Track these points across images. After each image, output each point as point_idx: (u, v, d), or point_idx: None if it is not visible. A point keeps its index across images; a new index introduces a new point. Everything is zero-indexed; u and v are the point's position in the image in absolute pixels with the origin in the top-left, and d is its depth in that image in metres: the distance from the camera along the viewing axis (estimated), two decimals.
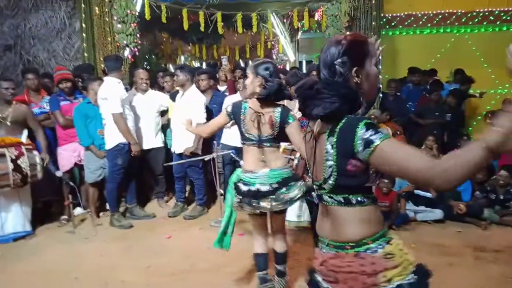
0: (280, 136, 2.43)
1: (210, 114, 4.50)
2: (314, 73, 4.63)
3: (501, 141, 0.97)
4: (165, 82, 5.21)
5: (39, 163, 3.73)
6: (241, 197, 2.47)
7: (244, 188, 2.46)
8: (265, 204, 2.38)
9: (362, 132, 1.16)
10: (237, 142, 4.42)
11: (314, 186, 1.37)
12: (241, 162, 4.22)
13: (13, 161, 3.54)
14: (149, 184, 5.01)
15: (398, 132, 5.46)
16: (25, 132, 3.93)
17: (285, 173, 2.46)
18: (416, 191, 4.30)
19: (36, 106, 4.38)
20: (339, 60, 1.25)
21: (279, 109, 2.41)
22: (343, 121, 1.21)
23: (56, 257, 3.49)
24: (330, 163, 1.24)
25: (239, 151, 4.38)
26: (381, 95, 5.82)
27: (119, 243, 3.81)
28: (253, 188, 2.42)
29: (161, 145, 4.78)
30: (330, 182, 1.26)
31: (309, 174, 1.42)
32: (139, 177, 4.70)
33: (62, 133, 4.30)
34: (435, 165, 1.05)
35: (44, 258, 3.49)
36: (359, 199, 1.26)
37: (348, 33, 1.39)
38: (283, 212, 2.56)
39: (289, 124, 2.38)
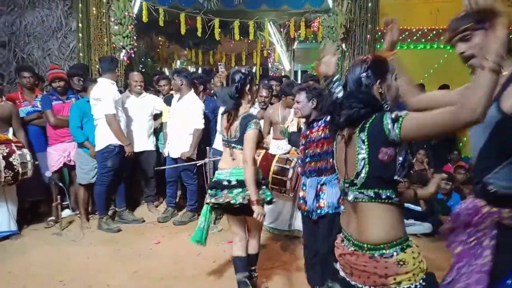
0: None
1: (207, 120, 4.50)
2: (311, 82, 4.68)
3: (498, 56, 1.14)
4: (161, 86, 5.20)
5: (30, 161, 3.68)
6: (209, 190, 2.59)
7: (212, 182, 2.62)
8: (219, 196, 2.50)
9: (387, 117, 1.33)
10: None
11: (345, 186, 1.50)
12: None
13: (5, 158, 3.48)
14: (139, 188, 4.96)
15: None
16: (11, 130, 3.89)
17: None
18: (406, 205, 4.32)
19: (29, 104, 4.33)
20: (364, 73, 1.50)
21: (245, 115, 2.49)
22: (372, 117, 1.38)
23: (41, 259, 3.43)
24: (362, 156, 1.39)
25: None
26: None
27: (106, 246, 3.76)
28: (216, 180, 2.57)
29: (153, 148, 4.75)
30: (362, 175, 1.39)
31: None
32: (130, 181, 4.66)
33: (52, 133, 4.25)
34: (457, 106, 1.18)
35: (29, 260, 3.43)
36: (388, 194, 1.38)
37: (370, 54, 1.69)
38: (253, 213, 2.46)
39: (247, 132, 2.43)
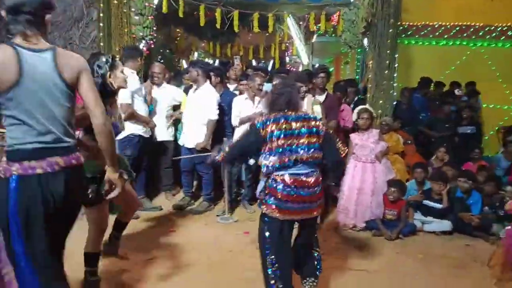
0: None
1: (222, 112, 4.50)
2: (322, 74, 4.64)
3: None
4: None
5: None
6: None
7: None
8: None
9: None
10: None
11: None
12: (251, 161, 4.25)
13: None
14: (158, 177, 5.01)
15: (409, 142, 5.44)
16: None
17: None
18: (425, 202, 4.26)
19: None
20: None
21: None
22: None
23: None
24: None
25: None
26: (394, 102, 5.79)
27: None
28: None
29: (171, 138, 4.79)
30: None
31: None
32: (149, 170, 4.71)
33: None
34: None
35: None
36: None
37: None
38: None
39: None
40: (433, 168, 4.76)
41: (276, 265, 2.39)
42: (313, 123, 2.46)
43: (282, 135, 2.37)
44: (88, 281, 2.59)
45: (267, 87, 4.96)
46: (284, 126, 2.39)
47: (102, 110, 1.88)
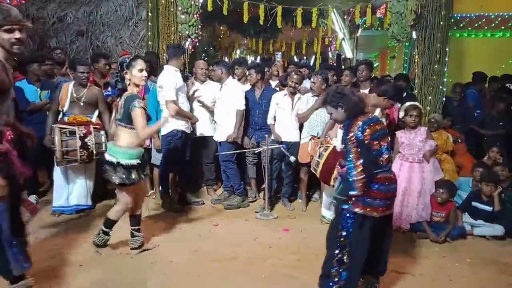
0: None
1: (247, 102, 4.61)
2: (362, 66, 4.52)
3: None
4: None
5: (104, 142, 3.97)
6: None
7: None
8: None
9: None
10: (286, 137, 4.46)
11: None
12: (291, 158, 4.25)
13: (81, 138, 3.80)
14: (200, 172, 5.16)
15: (459, 140, 5.17)
16: (96, 113, 4.19)
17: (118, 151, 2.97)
18: (474, 203, 4.04)
19: (103, 89, 4.65)
20: None
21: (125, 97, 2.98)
22: None
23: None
24: None
25: (289, 146, 4.40)
26: (444, 99, 5.52)
27: (169, 224, 3.97)
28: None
29: (213, 134, 4.90)
30: None
31: None
32: (191, 165, 4.85)
33: None
34: None
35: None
36: None
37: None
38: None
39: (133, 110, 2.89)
40: (485, 169, 4.49)
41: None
42: (383, 124, 2.59)
43: (377, 137, 2.44)
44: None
45: (307, 83, 4.93)
46: (376, 127, 2.45)
47: None
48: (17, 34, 2.09)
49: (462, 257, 3.43)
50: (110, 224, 3.18)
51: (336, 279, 2.43)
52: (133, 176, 3.00)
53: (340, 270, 2.43)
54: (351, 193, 2.37)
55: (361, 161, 2.33)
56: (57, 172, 4.07)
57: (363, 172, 2.33)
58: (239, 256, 3.33)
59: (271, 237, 3.73)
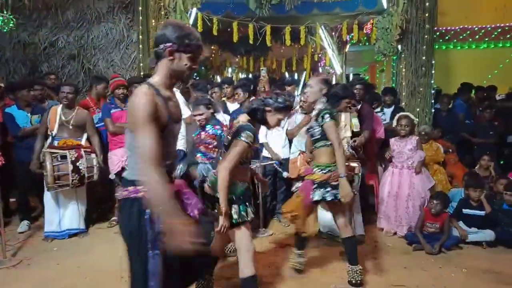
0: None
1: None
2: (358, 86, 4.57)
3: None
4: (214, 93, 5.34)
5: (96, 165, 3.95)
6: None
7: None
8: None
9: None
10: (281, 154, 4.47)
11: None
12: (284, 174, 4.26)
13: (73, 162, 3.78)
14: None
15: (450, 150, 5.23)
16: (85, 136, 4.19)
17: None
18: (465, 211, 4.08)
19: (100, 111, 4.63)
20: None
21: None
22: None
23: (105, 256, 3.65)
24: None
25: (282, 163, 4.41)
26: (433, 110, 5.61)
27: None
28: None
29: None
30: None
31: None
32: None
33: (112, 139, 4.44)
34: None
35: (94, 257, 3.67)
36: None
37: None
38: None
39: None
40: (472, 175, 4.55)
41: None
42: None
43: None
44: None
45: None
46: None
47: None
48: None
49: (457, 267, 3.42)
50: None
51: None
52: None
53: None
54: None
55: None
56: (48, 197, 4.03)
57: None
58: (235, 275, 3.29)
59: (268, 255, 3.70)
